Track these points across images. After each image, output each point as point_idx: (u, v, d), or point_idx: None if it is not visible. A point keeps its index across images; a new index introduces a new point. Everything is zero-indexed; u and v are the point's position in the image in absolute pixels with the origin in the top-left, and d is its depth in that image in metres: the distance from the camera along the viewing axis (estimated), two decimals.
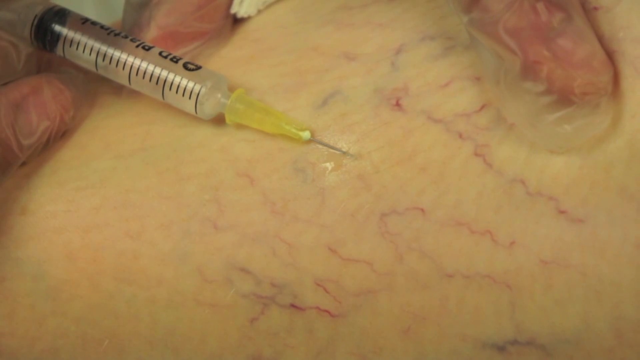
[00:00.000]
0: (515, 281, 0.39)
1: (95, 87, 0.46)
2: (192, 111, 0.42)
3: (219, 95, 0.42)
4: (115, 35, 0.43)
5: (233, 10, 0.46)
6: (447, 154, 0.40)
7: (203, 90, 0.42)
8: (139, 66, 0.43)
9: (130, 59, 0.43)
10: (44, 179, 0.43)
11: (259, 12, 0.47)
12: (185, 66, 0.42)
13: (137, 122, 0.44)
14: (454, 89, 0.41)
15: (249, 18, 0.47)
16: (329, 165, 0.41)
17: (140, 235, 0.41)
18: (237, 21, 0.47)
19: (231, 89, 0.43)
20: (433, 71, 0.41)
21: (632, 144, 0.38)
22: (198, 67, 0.42)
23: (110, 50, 0.43)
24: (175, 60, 0.43)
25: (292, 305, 0.41)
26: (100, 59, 0.43)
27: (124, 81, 0.43)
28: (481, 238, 0.39)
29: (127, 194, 0.42)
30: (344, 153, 0.41)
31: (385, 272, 0.40)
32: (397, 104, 0.41)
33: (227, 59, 0.45)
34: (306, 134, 0.41)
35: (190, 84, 0.42)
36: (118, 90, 0.45)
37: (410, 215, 0.40)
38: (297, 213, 0.40)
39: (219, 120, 0.43)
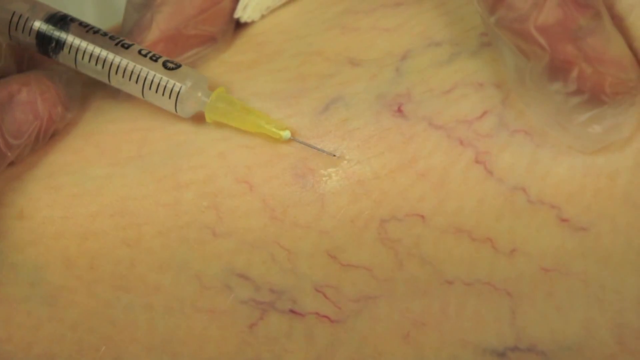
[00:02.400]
0: (516, 288, 0.39)
1: (93, 90, 0.46)
2: (172, 110, 0.42)
3: (200, 94, 0.42)
4: (95, 32, 0.43)
5: (237, 15, 0.46)
6: (447, 161, 0.40)
7: (183, 89, 0.41)
8: (119, 64, 0.42)
9: (110, 57, 0.42)
10: (40, 182, 0.42)
11: (263, 17, 0.46)
12: (164, 65, 0.42)
13: (133, 129, 0.43)
14: (456, 95, 0.40)
15: (252, 22, 0.46)
16: (329, 171, 0.40)
17: (137, 243, 0.41)
18: (240, 26, 0.46)
19: (212, 88, 0.42)
20: (437, 77, 0.41)
21: (637, 152, 0.38)
22: (178, 66, 0.42)
23: (90, 48, 0.42)
24: (154, 58, 0.42)
25: (292, 311, 0.41)
26: (79, 57, 0.43)
27: (103, 79, 0.43)
28: (482, 245, 0.39)
29: (124, 202, 0.41)
30: (329, 154, 0.40)
31: (385, 278, 0.40)
32: (399, 110, 0.41)
33: (230, 63, 0.45)
34: (286, 133, 0.41)
35: (170, 83, 0.41)
36: (115, 94, 0.45)
37: (410, 222, 0.39)
38: (296, 219, 0.40)
39: (217, 126, 0.42)
